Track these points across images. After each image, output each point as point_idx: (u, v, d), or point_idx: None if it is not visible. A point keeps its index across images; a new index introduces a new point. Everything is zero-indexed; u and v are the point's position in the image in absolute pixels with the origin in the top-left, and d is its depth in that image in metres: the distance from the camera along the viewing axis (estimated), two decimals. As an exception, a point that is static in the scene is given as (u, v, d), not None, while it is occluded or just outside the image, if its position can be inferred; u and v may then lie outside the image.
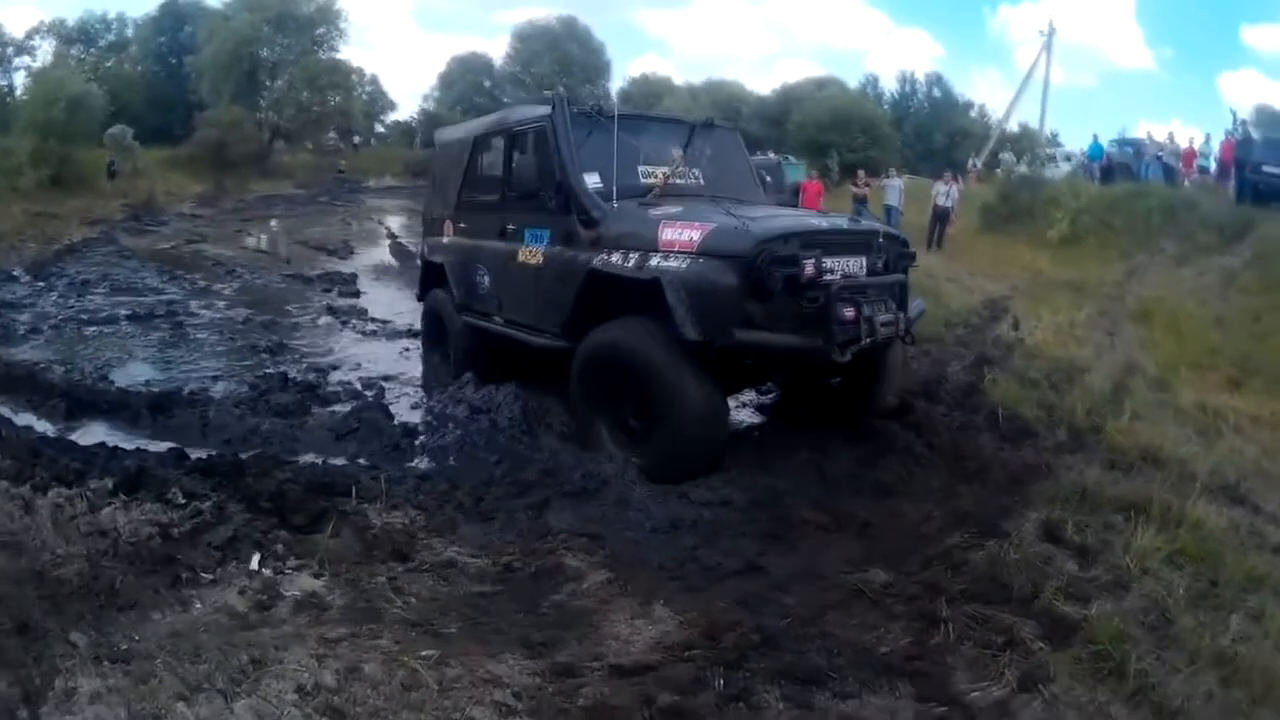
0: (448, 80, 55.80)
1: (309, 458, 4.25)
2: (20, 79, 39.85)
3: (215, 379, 6.28)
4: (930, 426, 4.57)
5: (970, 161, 30.65)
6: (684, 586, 2.82)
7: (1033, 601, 2.69)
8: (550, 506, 3.39)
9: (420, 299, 6.45)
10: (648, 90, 60.44)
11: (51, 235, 14.50)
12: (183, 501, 3.01)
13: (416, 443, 4.70)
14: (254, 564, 2.71)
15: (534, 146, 4.80)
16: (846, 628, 2.56)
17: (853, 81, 55.63)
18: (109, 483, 3.15)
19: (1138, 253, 13.03)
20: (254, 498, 3.15)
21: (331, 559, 2.80)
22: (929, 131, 48.57)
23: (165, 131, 30.50)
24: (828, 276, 3.81)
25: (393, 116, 47.10)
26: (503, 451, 4.18)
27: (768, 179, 17.23)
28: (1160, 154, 18.10)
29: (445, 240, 5.87)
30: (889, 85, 55.22)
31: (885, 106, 47.34)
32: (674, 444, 3.72)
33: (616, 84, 57.03)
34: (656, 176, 4.70)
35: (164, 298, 9.74)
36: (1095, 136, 22.51)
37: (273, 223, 15.76)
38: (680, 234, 3.85)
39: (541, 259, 4.67)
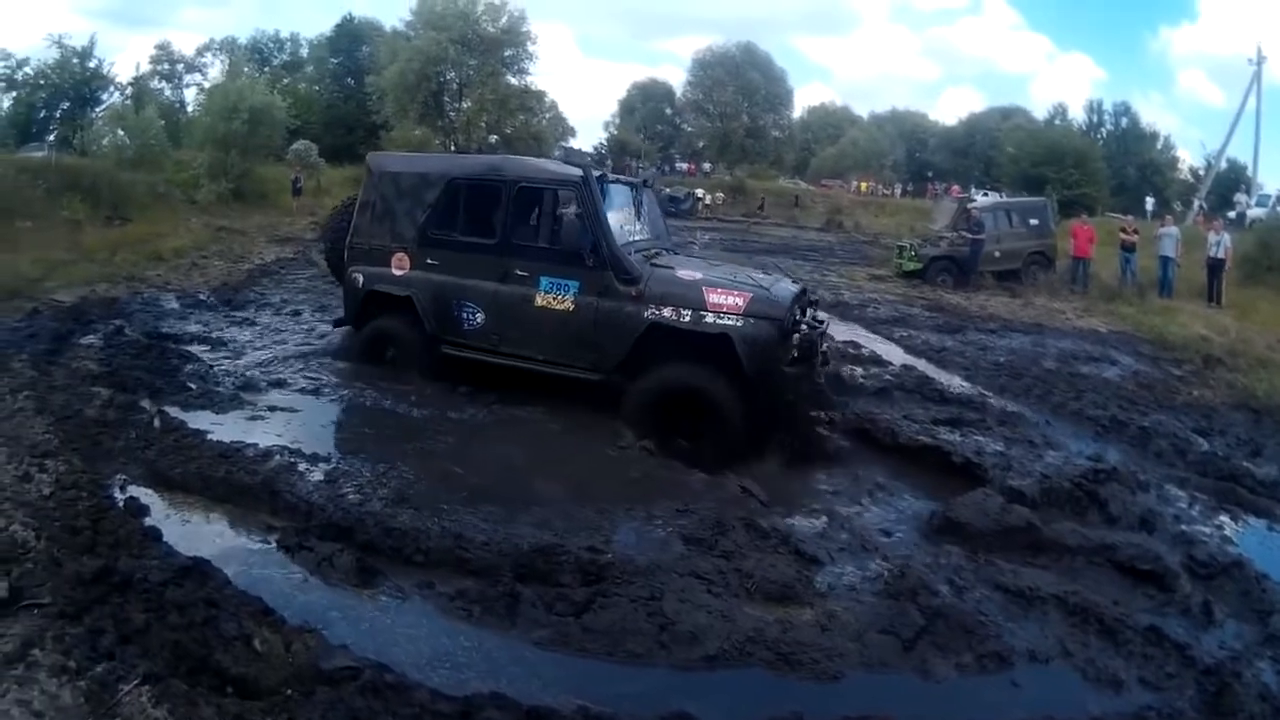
0: (628, 106, 55.87)
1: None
2: (191, 95, 40.42)
3: (627, 511, 4.07)
4: None
5: (1196, 204, 26.95)
6: None
7: None
8: None
9: (345, 324, 6.66)
10: (826, 120, 58.00)
11: (239, 253, 13.56)
12: None
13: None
14: None
15: (555, 204, 5.72)
16: None
17: (1039, 111, 51.37)
18: None
19: None
20: None
21: None
22: (1120, 165, 43.96)
23: (346, 151, 30.40)
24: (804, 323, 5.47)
25: (571, 142, 47.30)
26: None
27: (1033, 221, 15.33)
28: None
29: (400, 273, 6.20)
30: (1076, 114, 50.81)
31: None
32: (726, 449, 4.98)
33: (796, 113, 54.70)
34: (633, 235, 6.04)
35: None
36: (1349, 176, 18.90)
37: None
38: (726, 299, 5.15)
39: (573, 305, 5.58)
